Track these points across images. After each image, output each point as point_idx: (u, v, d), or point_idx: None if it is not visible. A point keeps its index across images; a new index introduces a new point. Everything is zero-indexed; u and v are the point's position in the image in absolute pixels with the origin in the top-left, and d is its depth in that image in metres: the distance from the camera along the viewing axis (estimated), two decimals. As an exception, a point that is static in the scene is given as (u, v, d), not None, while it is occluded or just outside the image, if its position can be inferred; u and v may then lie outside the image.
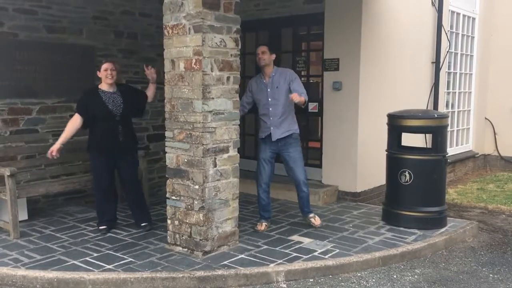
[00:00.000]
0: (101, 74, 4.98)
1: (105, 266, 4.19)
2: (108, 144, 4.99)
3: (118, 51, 6.58)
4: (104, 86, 5.03)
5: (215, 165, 4.38)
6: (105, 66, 4.98)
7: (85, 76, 6.16)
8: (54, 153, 4.90)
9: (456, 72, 8.91)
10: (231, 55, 4.43)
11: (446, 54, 8.12)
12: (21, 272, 4.07)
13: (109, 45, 6.47)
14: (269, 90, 5.09)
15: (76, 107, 5.13)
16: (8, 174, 4.83)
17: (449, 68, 8.58)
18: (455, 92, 8.96)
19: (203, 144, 4.27)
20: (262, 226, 5.19)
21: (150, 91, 5.29)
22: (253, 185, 5.40)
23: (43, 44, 5.83)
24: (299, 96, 4.82)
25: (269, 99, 5.09)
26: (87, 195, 6.27)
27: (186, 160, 4.39)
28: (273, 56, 5.13)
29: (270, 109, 5.09)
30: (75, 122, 4.97)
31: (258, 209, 5.35)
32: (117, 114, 4.97)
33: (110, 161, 5.05)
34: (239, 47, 4.51)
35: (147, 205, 5.33)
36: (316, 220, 5.31)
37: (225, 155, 4.47)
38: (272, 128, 5.10)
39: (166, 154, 4.58)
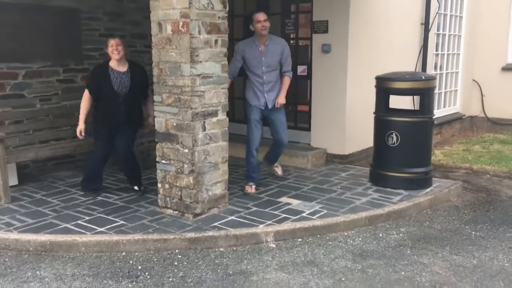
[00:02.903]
0: (109, 50, 4.97)
1: (97, 229, 4.26)
2: (110, 121, 5.06)
3: (104, 14, 6.44)
4: (113, 63, 5.02)
5: (204, 129, 4.40)
6: (111, 42, 4.96)
7: (70, 40, 6.09)
8: (82, 134, 5.02)
9: (445, 34, 8.89)
10: (219, 17, 4.38)
11: (436, 15, 8.08)
12: (14, 235, 4.12)
13: (94, 8, 6.33)
14: (263, 58, 5.13)
15: (88, 85, 5.18)
16: (-3, 139, 4.82)
17: (438, 30, 8.55)
18: (444, 54, 8.96)
19: (191, 108, 4.27)
20: (252, 188, 5.26)
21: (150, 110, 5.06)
22: (243, 148, 5.44)
23: (27, 6, 5.69)
24: (283, 99, 5.25)
25: (263, 68, 5.15)
26: (77, 160, 6.28)
27: (175, 124, 4.40)
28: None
29: (264, 77, 5.17)
30: (88, 99, 5.03)
31: (247, 172, 5.41)
32: (121, 95, 4.99)
33: (113, 131, 5.10)
34: (227, 9, 4.46)
35: (139, 173, 5.33)
36: (279, 170, 5.73)
37: (214, 119, 4.49)
38: (266, 95, 5.20)
39: (155, 118, 4.59)
